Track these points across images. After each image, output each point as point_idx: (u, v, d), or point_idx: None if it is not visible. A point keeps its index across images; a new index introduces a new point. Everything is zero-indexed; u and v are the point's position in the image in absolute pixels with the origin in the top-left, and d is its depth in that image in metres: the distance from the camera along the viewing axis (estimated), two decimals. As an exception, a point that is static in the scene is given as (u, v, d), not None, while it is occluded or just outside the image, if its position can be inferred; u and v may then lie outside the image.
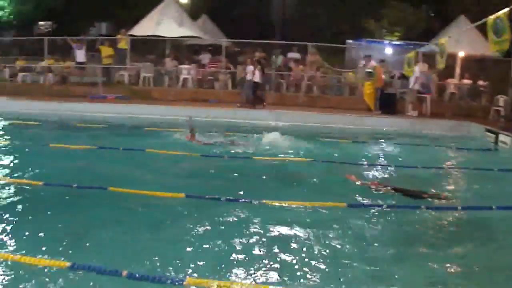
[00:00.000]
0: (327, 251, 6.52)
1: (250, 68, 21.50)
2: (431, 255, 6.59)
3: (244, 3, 38.77)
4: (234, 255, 6.30)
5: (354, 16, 34.12)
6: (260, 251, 6.46)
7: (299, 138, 15.09)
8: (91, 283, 5.45)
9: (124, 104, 21.20)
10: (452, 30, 22.56)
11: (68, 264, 5.68)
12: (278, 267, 5.99)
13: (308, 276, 5.80)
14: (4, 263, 5.83)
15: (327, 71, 24.13)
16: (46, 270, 5.65)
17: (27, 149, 13.05)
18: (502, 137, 15.56)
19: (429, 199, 9.06)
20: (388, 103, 20.77)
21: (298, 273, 5.84)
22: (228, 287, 5.34)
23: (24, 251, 6.08)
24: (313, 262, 6.15)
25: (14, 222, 7.33)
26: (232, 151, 12.87)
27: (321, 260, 6.22)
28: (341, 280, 5.74)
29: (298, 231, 7.16)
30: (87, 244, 6.60)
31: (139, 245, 6.63)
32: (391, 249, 6.72)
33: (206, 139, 14.09)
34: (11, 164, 11.29)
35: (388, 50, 28.16)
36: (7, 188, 9.20)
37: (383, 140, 16.01)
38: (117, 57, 25.01)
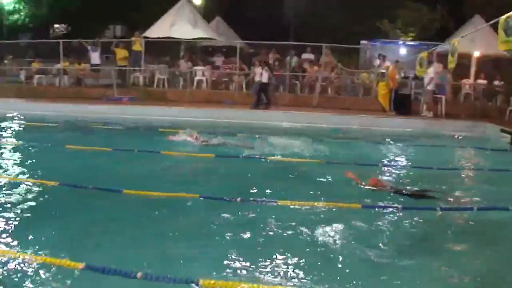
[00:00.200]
0: (341, 252, 6.50)
1: (258, 69, 21.53)
2: (447, 257, 6.57)
3: (258, 4, 38.79)
4: (248, 256, 6.29)
5: (368, 16, 34.05)
6: (274, 252, 6.44)
7: (313, 139, 15.06)
8: (106, 284, 5.47)
9: (139, 105, 21.27)
10: (467, 30, 22.43)
11: (82, 265, 5.70)
12: (292, 268, 5.98)
13: (321, 277, 5.78)
14: (19, 262, 5.87)
15: (341, 72, 24.08)
16: (60, 270, 5.67)
17: (43, 150, 13.14)
18: (518, 138, 15.46)
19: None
20: (402, 104, 20.69)
21: (312, 274, 5.82)
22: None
23: (39, 251, 6.12)
24: (326, 263, 6.14)
25: (30, 222, 7.39)
26: (246, 152, 12.86)
27: (334, 261, 6.21)
28: (355, 280, 5.73)
29: (312, 232, 7.14)
30: (102, 245, 6.62)
31: (153, 246, 6.64)
32: (406, 250, 6.68)
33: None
34: (28, 165, 11.38)
35: (403, 51, 28.06)
36: (23, 188, 9.27)
37: (397, 141, 15.92)
38: (132, 59, 25.11)
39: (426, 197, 9.07)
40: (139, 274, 5.50)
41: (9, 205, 8.13)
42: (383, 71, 21.60)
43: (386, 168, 11.90)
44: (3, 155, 12.39)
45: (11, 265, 5.82)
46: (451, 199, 9.20)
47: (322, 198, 8.71)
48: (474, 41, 21.46)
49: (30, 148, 13.43)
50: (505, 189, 10.19)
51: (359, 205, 8.44)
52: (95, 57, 25.31)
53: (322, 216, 7.92)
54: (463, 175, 11.84)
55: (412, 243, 7.01)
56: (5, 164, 11.40)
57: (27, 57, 29.21)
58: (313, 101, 22.67)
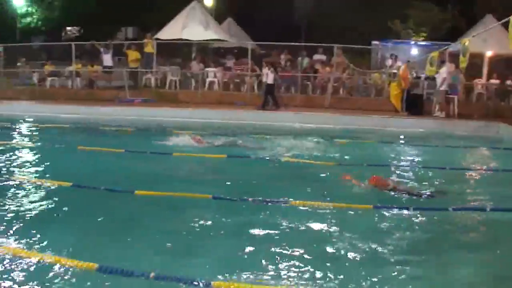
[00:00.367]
0: (353, 252, 6.49)
1: (265, 70, 21.57)
2: (459, 257, 6.56)
3: (269, 5, 38.80)
4: (260, 257, 6.29)
5: (379, 17, 33.97)
6: (286, 253, 6.45)
7: (324, 140, 15.06)
8: (119, 285, 5.49)
9: (151, 107, 21.34)
10: (478, 29, 22.32)
11: (96, 265, 5.73)
12: (304, 269, 5.97)
13: (333, 277, 5.77)
14: (32, 262, 5.91)
15: (353, 72, 24.03)
16: (74, 271, 5.70)
17: (56, 152, 13.23)
18: (531, 138, 15.37)
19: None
20: (414, 104, 20.62)
21: (324, 275, 5.81)
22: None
23: (52, 252, 6.15)
24: (337, 264, 6.13)
25: (42, 223, 7.45)
26: (258, 153, 12.86)
27: (346, 262, 6.21)
28: (366, 281, 5.72)
29: (324, 233, 7.16)
30: (115, 246, 6.65)
31: (166, 247, 6.66)
32: (418, 251, 6.67)
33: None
34: (41, 166, 11.46)
35: (414, 51, 27.96)
36: (36, 189, 9.34)
37: (410, 142, 15.88)
38: (144, 61, 25.18)
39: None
40: (151, 275, 5.51)
41: (22, 206, 8.19)
42: (395, 71, 21.54)
43: (398, 169, 11.84)
44: (16, 157, 12.46)
45: (24, 265, 5.85)
46: (463, 200, 9.17)
47: (334, 199, 8.69)
48: (486, 41, 21.37)
49: (43, 150, 13.52)
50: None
51: (371, 205, 8.42)
52: (107, 59, 25.43)
53: (333, 216, 7.91)
54: (475, 176, 11.77)
55: (424, 243, 6.99)
56: (19, 165, 11.48)
57: (40, 59, 29.38)
58: (325, 102, 22.63)
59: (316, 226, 7.40)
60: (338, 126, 18.33)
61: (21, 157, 12.59)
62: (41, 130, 17.39)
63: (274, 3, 39.06)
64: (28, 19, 41.06)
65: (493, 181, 11.31)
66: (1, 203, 8.28)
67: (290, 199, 8.57)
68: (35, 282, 5.49)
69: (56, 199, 8.70)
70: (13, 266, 5.82)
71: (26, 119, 19.33)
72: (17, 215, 7.66)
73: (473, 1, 32.60)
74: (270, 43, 25.77)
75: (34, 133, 16.77)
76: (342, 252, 6.52)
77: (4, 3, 37.84)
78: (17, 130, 16.96)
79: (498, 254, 6.78)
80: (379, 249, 6.61)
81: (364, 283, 5.68)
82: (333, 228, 7.32)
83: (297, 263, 6.10)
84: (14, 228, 7.06)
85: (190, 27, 25.72)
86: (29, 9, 40.68)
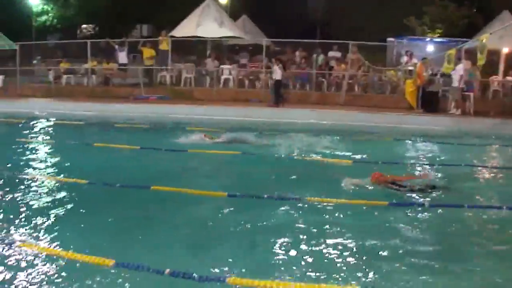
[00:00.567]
0: (368, 249, 6.48)
1: (274, 67, 21.58)
2: (474, 256, 6.51)
3: (284, 2, 38.76)
4: (275, 253, 6.31)
5: (395, 13, 33.81)
6: (301, 248, 6.46)
7: (340, 137, 15.02)
8: (135, 281, 5.52)
9: (166, 104, 21.38)
10: (495, 26, 22.12)
11: (112, 262, 5.77)
12: (319, 264, 5.98)
13: (349, 273, 5.77)
14: (50, 258, 5.97)
15: (368, 69, 23.91)
16: (91, 267, 5.74)
17: (72, 149, 13.31)
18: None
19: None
20: (430, 101, 20.48)
21: (341, 271, 5.82)
22: (270, 286, 5.35)
23: (69, 248, 6.20)
24: (353, 260, 6.13)
25: (60, 220, 7.50)
26: (273, 151, 12.86)
27: (361, 258, 6.19)
28: (382, 277, 5.71)
29: (340, 229, 7.14)
30: (131, 242, 6.69)
31: (181, 244, 6.69)
32: (433, 248, 6.64)
33: (232, 138, 14.12)
34: (57, 163, 11.54)
35: (430, 48, 27.75)
36: (53, 186, 9.43)
37: (425, 139, 15.76)
38: (159, 58, 25.21)
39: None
40: (167, 271, 5.53)
41: (38, 203, 8.27)
42: (411, 68, 21.40)
43: (412, 166, 11.80)
44: (33, 154, 12.57)
45: (41, 261, 5.90)
46: (479, 197, 9.12)
47: (350, 195, 8.68)
48: (503, 38, 21.15)
49: (59, 147, 13.61)
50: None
51: (386, 202, 8.39)
52: (122, 56, 25.50)
53: (349, 213, 7.90)
54: (491, 173, 11.67)
55: (440, 240, 6.97)
56: (35, 162, 11.57)
57: (55, 57, 29.47)
58: (339, 99, 22.56)
59: (331, 222, 7.40)
60: (353, 123, 18.23)
61: (37, 154, 12.69)
62: (57, 127, 17.50)
63: (289, 0, 39.00)
64: (44, 18, 41.25)
65: (509, 179, 11.22)
66: (18, 200, 8.36)
67: (305, 196, 8.57)
68: (52, 277, 5.54)
69: (73, 195, 8.75)
70: (30, 262, 5.88)
71: (42, 117, 19.45)
72: (34, 212, 7.73)
73: (490, -3, 32.35)
74: (285, 40, 25.71)
75: (50, 130, 16.87)
76: (359, 248, 6.51)
77: (20, 2, 38.02)
78: (33, 127, 17.05)
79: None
80: (395, 245, 6.59)
81: (383, 279, 5.67)
82: (349, 225, 7.31)
83: (312, 259, 6.11)
84: (31, 225, 7.13)
85: (204, 24, 25.70)
86: (45, 7, 40.86)
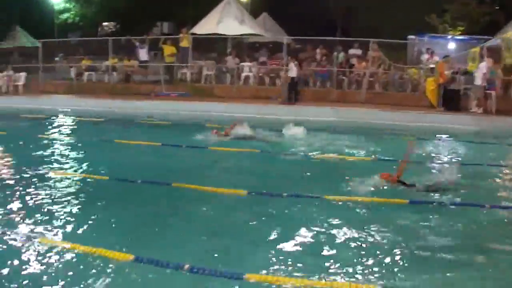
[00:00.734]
0: (388, 247, 6.46)
1: (290, 64, 21.57)
2: (495, 255, 6.47)
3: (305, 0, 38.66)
4: (293, 250, 6.32)
5: (416, 11, 33.57)
6: (320, 246, 6.46)
7: (360, 136, 14.96)
8: (154, 276, 5.57)
9: (186, 101, 21.45)
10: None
11: (132, 257, 5.82)
12: (337, 262, 5.97)
13: (368, 271, 5.76)
14: (70, 253, 6.04)
15: (389, 67, 23.77)
16: (111, 261, 5.81)
17: (93, 145, 13.43)
18: None
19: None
20: (451, 100, 20.31)
21: (358, 269, 5.81)
22: (287, 283, 5.36)
23: (89, 243, 6.26)
24: (372, 258, 6.11)
25: (81, 215, 7.58)
26: (294, 148, 12.85)
27: (381, 256, 6.18)
28: (399, 275, 5.70)
29: (359, 227, 7.12)
30: (151, 238, 6.75)
31: (200, 240, 6.72)
32: (454, 247, 6.60)
33: (250, 135, 14.14)
34: (78, 159, 11.64)
35: (451, 45, 27.54)
36: (74, 182, 9.53)
37: (446, 138, 15.65)
38: (180, 56, 25.28)
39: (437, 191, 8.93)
40: (186, 266, 5.56)
41: (60, 199, 8.34)
42: (432, 66, 21.25)
43: (433, 164, 11.72)
44: (55, 150, 12.71)
45: (63, 256, 5.98)
46: (501, 197, 9.05)
47: (368, 194, 8.65)
48: (525, 34, 20.93)
49: (80, 143, 13.73)
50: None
51: (407, 200, 8.35)
52: (143, 53, 25.63)
53: (369, 211, 7.88)
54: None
55: (460, 238, 6.93)
56: (57, 158, 11.68)
57: (77, 54, 29.70)
58: (360, 96, 22.46)
59: (351, 220, 7.38)
60: (373, 121, 18.12)
61: (59, 150, 12.82)
62: (79, 123, 17.65)
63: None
64: (66, 15, 41.61)
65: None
66: (40, 196, 8.45)
67: (324, 194, 8.55)
68: (72, 272, 5.61)
69: (94, 191, 8.86)
70: (52, 257, 5.95)
71: (64, 113, 19.64)
72: (56, 208, 7.82)
73: (512, -6, 31.97)
74: (305, 37, 25.65)
75: (71, 127, 17.01)
76: (379, 246, 6.50)
77: (42, 0, 38.36)
78: (55, 123, 17.22)
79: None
80: (416, 243, 6.57)
81: (403, 277, 5.66)
82: (369, 223, 7.29)
83: (330, 257, 6.11)
84: (52, 220, 7.22)
85: (225, 22, 25.75)
86: (67, 5, 41.21)
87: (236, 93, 23.39)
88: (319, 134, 14.80)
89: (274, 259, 6.05)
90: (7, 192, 8.60)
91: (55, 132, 15.51)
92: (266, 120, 17.66)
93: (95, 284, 5.37)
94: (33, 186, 8.97)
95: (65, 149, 13.05)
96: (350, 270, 5.78)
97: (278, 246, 6.47)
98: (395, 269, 5.84)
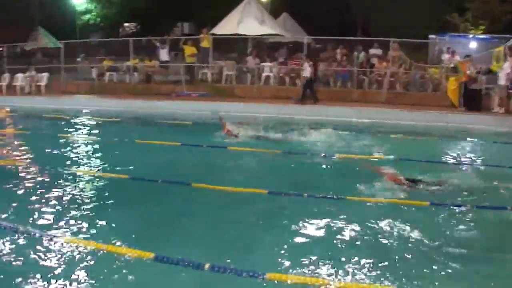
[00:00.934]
0: (409, 249, 6.43)
1: (305, 64, 21.55)
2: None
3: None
4: (314, 250, 6.31)
5: (437, 10, 33.34)
6: (340, 247, 6.45)
7: (380, 136, 14.91)
8: (174, 275, 5.59)
9: (207, 101, 21.50)
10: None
11: (152, 255, 5.84)
12: (359, 263, 5.95)
13: (387, 273, 5.73)
14: (91, 251, 6.10)
15: (410, 67, 23.63)
16: (131, 260, 5.85)
17: (114, 145, 13.52)
18: None
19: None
20: (472, 100, 20.14)
21: (379, 270, 5.79)
22: (308, 283, 5.37)
23: (110, 241, 6.33)
24: (393, 260, 6.08)
25: (101, 214, 7.63)
26: (314, 148, 12.83)
27: (402, 258, 6.15)
28: (423, 278, 5.67)
29: (380, 228, 7.09)
30: (171, 237, 6.79)
31: (221, 239, 6.75)
32: (473, 250, 6.54)
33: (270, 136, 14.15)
34: (100, 158, 11.75)
35: (473, 45, 27.31)
36: (96, 181, 9.62)
37: (467, 138, 15.50)
38: (200, 56, 25.35)
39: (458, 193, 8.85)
40: (206, 265, 5.58)
41: (81, 198, 8.43)
42: (453, 65, 21.09)
43: (454, 165, 11.64)
44: (76, 149, 12.81)
45: (83, 254, 6.03)
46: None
47: (389, 195, 8.60)
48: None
49: (101, 143, 13.83)
50: None
51: (427, 202, 8.29)
52: (164, 54, 25.74)
53: (390, 213, 7.82)
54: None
55: (481, 241, 6.87)
56: (78, 157, 11.80)
57: (98, 55, 29.90)
58: (381, 96, 22.37)
59: (372, 222, 7.32)
60: (394, 121, 18.01)
61: (80, 149, 12.92)
62: (100, 123, 17.77)
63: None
64: (87, 16, 41.92)
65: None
66: (61, 194, 8.53)
67: (345, 195, 8.53)
68: (93, 270, 5.65)
69: (114, 190, 8.91)
70: (72, 255, 6.00)
71: (86, 113, 19.78)
72: (76, 206, 7.88)
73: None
74: (325, 37, 25.59)
75: (93, 127, 17.13)
76: (400, 248, 6.46)
77: (64, 1, 38.67)
78: (77, 123, 17.36)
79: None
80: (437, 245, 6.53)
81: (424, 280, 5.63)
82: (390, 224, 7.24)
83: (351, 258, 6.08)
84: (73, 219, 7.28)
85: (245, 22, 25.79)
86: (88, 6, 41.51)
87: (257, 93, 23.41)
88: (339, 134, 14.76)
89: (295, 259, 6.04)
90: (29, 191, 8.70)
91: (76, 132, 15.64)
92: (286, 120, 17.65)
93: (115, 283, 5.42)
94: (54, 185, 9.05)
95: (86, 149, 13.14)
96: (371, 271, 5.76)
97: (299, 246, 6.48)
98: (414, 272, 5.81)
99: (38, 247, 6.21)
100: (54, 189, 8.79)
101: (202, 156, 12.20)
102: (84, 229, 6.85)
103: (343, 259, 6.06)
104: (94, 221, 7.21)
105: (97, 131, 16.17)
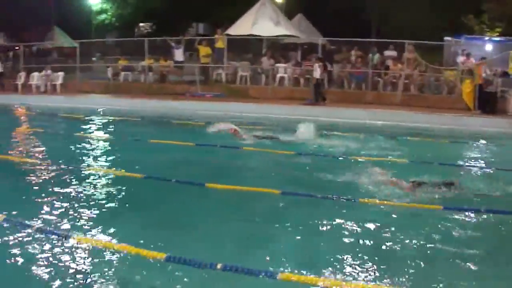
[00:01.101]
0: (422, 253, 6.40)
1: (315, 65, 21.56)
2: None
3: (340, 1, 38.49)
4: (326, 251, 6.30)
5: (452, 11, 33.17)
6: (353, 249, 6.43)
7: (394, 138, 14.87)
8: (187, 275, 5.59)
9: (221, 102, 21.54)
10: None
11: (164, 255, 5.86)
12: (371, 266, 5.93)
13: (399, 276, 5.70)
14: (102, 251, 6.12)
15: (426, 69, 23.54)
16: (143, 260, 5.85)
17: (128, 144, 13.58)
18: None
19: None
20: (487, 102, 20.03)
21: (392, 273, 5.76)
22: (320, 284, 5.37)
23: (122, 241, 6.33)
24: (404, 263, 6.05)
25: (114, 213, 7.69)
26: (327, 150, 12.80)
27: (414, 262, 6.11)
28: (436, 282, 5.66)
29: (392, 231, 7.07)
30: (184, 237, 6.79)
31: (234, 239, 6.76)
32: (487, 254, 6.49)
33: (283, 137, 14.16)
34: (113, 158, 11.80)
35: (489, 47, 27.13)
36: (109, 180, 9.66)
37: (482, 141, 15.39)
38: (215, 56, 25.42)
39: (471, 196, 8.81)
40: (219, 266, 5.59)
41: (95, 196, 8.47)
42: (468, 68, 20.99)
43: (467, 169, 11.56)
44: (91, 148, 12.88)
45: (94, 254, 6.05)
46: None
47: (402, 198, 8.56)
48: None
49: (116, 142, 13.91)
50: None
51: (441, 206, 8.25)
52: (178, 54, 25.82)
53: (402, 215, 7.81)
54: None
55: (494, 246, 6.82)
56: (93, 156, 11.87)
57: (113, 55, 30.08)
58: (395, 98, 22.31)
59: (383, 225, 7.30)
60: (408, 123, 17.96)
61: (95, 148, 13.00)
62: (115, 122, 17.86)
63: (345, -1, 38.78)
64: (103, 16, 42.19)
65: None
66: (74, 192, 8.59)
67: (358, 197, 8.52)
68: (104, 270, 5.66)
69: (128, 190, 8.94)
70: (84, 255, 6.02)
71: (101, 112, 19.88)
72: (89, 205, 7.92)
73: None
74: (340, 39, 25.55)
75: (107, 126, 17.21)
76: (411, 252, 6.43)
77: (80, 1, 38.92)
78: (92, 122, 17.45)
79: None
80: (450, 250, 6.50)
81: (437, 284, 5.61)
82: (403, 228, 7.22)
83: (363, 260, 6.07)
84: (86, 218, 7.31)
85: (260, 23, 25.82)
86: (104, 6, 41.75)
87: (271, 94, 23.43)
88: (353, 136, 14.73)
89: (308, 259, 6.05)
90: (42, 188, 8.76)
91: (91, 131, 15.74)
92: (300, 121, 17.61)
93: (127, 283, 5.43)
94: (68, 183, 9.12)
95: (101, 148, 13.23)
96: (383, 274, 5.74)
97: (312, 247, 6.48)
98: (429, 275, 5.79)
99: (50, 245, 6.24)
100: (67, 187, 8.84)
101: (216, 156, 12.22)
102: (95, 228, 6.86)
103: (355, 260, 6.05)
104: (106, 220, 7.24)
105: (111, 131, 16.26)
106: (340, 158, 11.93)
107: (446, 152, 13.74)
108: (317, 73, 21.40)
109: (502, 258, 6.43)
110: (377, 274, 5.72)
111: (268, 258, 6.05)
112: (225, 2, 39.11)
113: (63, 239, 6.42)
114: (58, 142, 13.68)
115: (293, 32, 27.18)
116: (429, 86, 23.61)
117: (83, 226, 6.94)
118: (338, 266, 5.86)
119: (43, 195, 8.36)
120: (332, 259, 6.04)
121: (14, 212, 7.28)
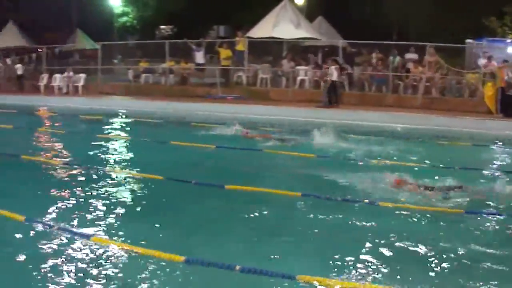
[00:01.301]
0: (443, 257, 6.35)
1: (331, 68, 21.50)
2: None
3: (360, 3, 38.40)
4: (346, 254, 6.28)
5: (474, 14, 32.90)
6: (372, 252, 6.41)
7: (415, 141, 14.79)
8: (205, 277, 5.62)
9: (242, 104, 21.57)
10: None
11: (183, 258, 5.87)
12: (391, 268, 5.92)
13: (419, 280, 5.68)
14: (122, 252, 6.16)
15: (447, 72, 23.37)
16: (162, 262, 5.87)
17: (149, 146, 13.66)
18: None
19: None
20: (510, 106, 19.83)
21: (410, 277, 5.74)
22: (338, 286, 5.37)
23: (141, 243, 6.36)
24: (425, 267, 6.02)
25: (134, 214, 7.76)
26: (347, 153, 12.76)
27: (436, 266, 6.09)
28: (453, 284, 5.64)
29: (412, 235, 7.02)
30: (203, 239, 6.81)
31: (253, 241, 6.77)
32: (504, 260, 6.45)
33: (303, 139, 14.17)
34: (135, 159, 11.91)
35: (510, 49, 26.87)
36: (130, 181, 9.75)
37: (504, 145, 15.26)
38: (235, 59, 25.47)
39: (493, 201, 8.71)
40: (237, 267, 5.60)
41: (115, 197, 8.55)
42: (490, 71, 20.83)
43: (489, 172, 11.45)
44: (112, 150, 12.99)
45: (114, 255, 6.09)
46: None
47: (422, 202, 8.51)
48: None
49: (137, 143, 14.02)
50: None
51: (462, 210, 8.19)
52: (199, 56, 25.91)
53: (423, 219, 7.77)
54: None
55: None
56: (114, 158, 11.97)
57: (135, 57, 30.24)
58: (416, 101, 22.20)
59: (404, 229, 7.28)
60: (429, 126, 17.83)
61: (116, 150, 13.11)
62: (136, 124, 17.98)
63: (366, 1, 38.62)
64: (124, 19, 42.43)
65: None
66: (95, 193, 8.67)
67: (378, 200, 8.49)
68: (123, 272, 5.70)
69: (149, 191, 9.02)
70: (103, 256, 6.05)
71: (122, 114, 20.01)
72: (110, 206, 7.98)
73: None
74: (361, 41, 25.47)
75: (128, 128, 17.36)
76: (433, 256, 6.38)
77: (102, 4, 39.18)
78: (113, 124, 17.60)
79: None
80: (472, 254, 6.44)
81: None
82: (424, 231, 7.21)
83: (383, 263, 6.06)
84: (106, 219, 7.37)
85: (281, 25, 25.81)
86: (125, 8, 42.01)
87: (292, 96, 23.43)
88: (373, 139, 14.66)
89: (326, 261, 6.04)
90: (63, 189, 8.84)
91: (112, 132, 15.86)
92: (320, 124, 17.57)
93: (146, 285, 5.43)
94: (88, 184, 9.20)
95: (121, 149, 13.34)
96: (401, 277, 5.71)
97: (331, 249, 6.46)
98: (451, 280, 5.76)
99: (69, 245, 6.30)
100: (87, 188, 8.92)
101: (236, 158, 12.24)
102: (114, 230, 6.93)
103: (374, 264, 6.03)
104: (125, 221, 7.31)
105: (132, 132, 16.37)
106: (359, 161, 11.89)
107: (467, 156, 13.64)
108: (333, 75, 21.31)
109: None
110: (395, 277, 5.69)
111: (287, 260, 6.06)
112: (246, 5, 39.16)
113: (84, 239, 6.47)
114: (79, 143, 13.81)
115: (313, 35, 27.14)
116: (450, 89, 23.44)
117: (101, 227, 7.00)
118: (358, 269, 5.86)
119: (62, 195, 8.47)
120: (352, 262, 6.03)
121: (35, 212, 7.36)
